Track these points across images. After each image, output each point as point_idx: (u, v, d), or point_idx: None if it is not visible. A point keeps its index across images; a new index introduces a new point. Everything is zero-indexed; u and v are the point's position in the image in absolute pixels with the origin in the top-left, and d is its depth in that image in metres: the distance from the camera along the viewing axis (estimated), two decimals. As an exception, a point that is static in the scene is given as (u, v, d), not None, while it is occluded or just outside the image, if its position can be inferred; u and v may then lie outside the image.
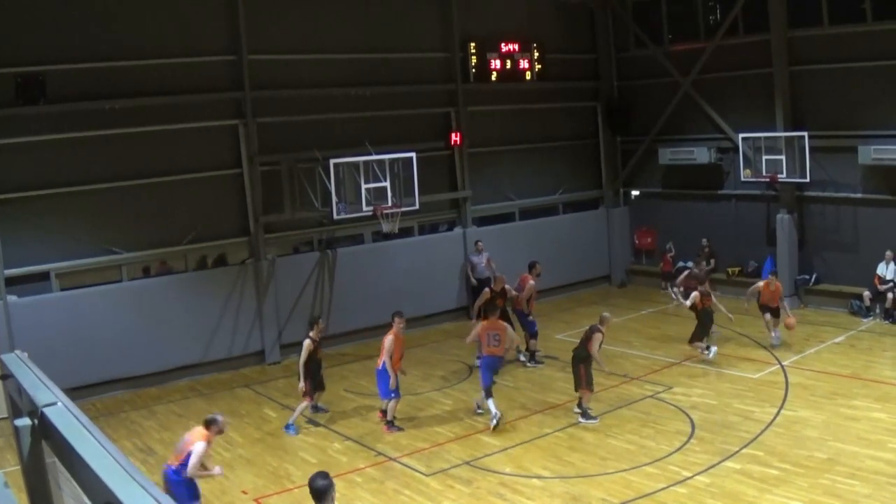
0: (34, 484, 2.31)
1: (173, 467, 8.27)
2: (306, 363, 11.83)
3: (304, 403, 12.05)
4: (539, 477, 9.95)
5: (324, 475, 6.35)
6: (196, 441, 8.25)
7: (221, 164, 15.43)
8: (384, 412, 12.01)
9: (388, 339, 11.60)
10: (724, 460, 9.95)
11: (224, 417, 8.94)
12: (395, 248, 17.38)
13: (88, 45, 13.75)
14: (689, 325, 16.56)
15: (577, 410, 11.83)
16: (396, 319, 11.80)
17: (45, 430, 2.11)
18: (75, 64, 13.64)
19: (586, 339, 11.89)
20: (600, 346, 11.88)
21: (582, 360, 11.80)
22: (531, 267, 15.04)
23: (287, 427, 11.93)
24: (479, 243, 17.90)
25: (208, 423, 8.48)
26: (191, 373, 14.93)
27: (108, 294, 14.28)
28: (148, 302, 14.52)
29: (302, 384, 11.81)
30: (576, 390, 11.94)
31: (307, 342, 11.94)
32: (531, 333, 14.77)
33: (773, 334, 14.71)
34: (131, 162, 14.39)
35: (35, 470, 2.27)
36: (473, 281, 17.96)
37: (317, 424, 12.29)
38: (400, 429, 11.80)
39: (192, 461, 8.15)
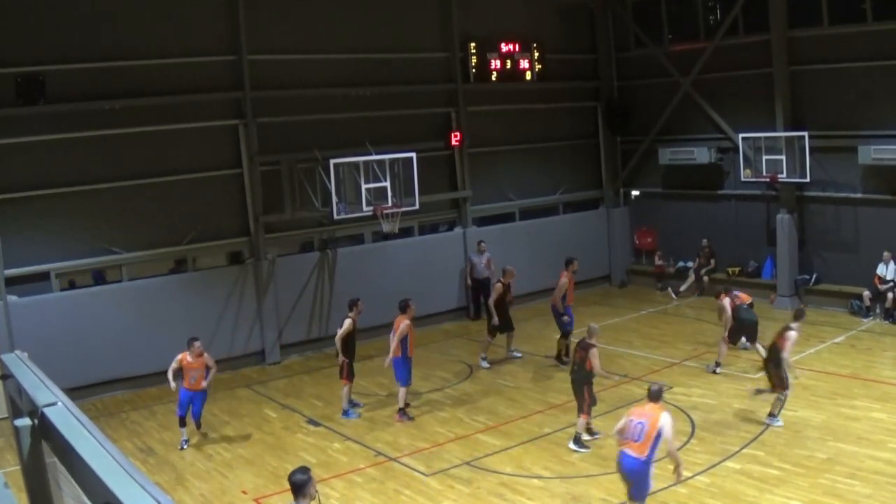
0: (34, 484, 2.31)
1: (642, 458, 7.69)
2: (345, 339, 12.26)
3: (346, 387, 12.50)
4: (539, 477, 9.95)
5: (303, 470, 6.42)
6: (660, 416, 7.78)
7: (221, 164, 15.43)
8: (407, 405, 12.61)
9: (405, 324, 12.06)
10: (724, 460, 9.95)
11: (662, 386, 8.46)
12: (395, 248, 17.38)
13: (88, 45, 13.75)
14: (688, 325, 16.59)
15: (582, 439, 10.80)
16: (411, 306, 12.32)
17: (45, 430, 2.11)
18: (75, 64, 13.65)
19: (582, 358, 10.78)
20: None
21: (585, 381, 10.77)
22: (568, 263, 14.71)
23: (345, 414, 12.48)
24: (482, 244, 17.92)
25: (657, 395, 8.04)
26: (191, 373, 14.91)
27: (108, 294, 14.29)
28: (148, 302, 14.52)
29: (341, 358, 12.38)
30: (579, 414, 10.84)
31: (348, 322, 12.30)
32: (563, 333, 14.49)
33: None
34: (131, 162, 14.39)
35: (35, 470, 2.27)
36: (469, 281, 18.00)
37: (317, 424, 12.30)
38: (411, 418, 12.22)
39: (670, 436, 7.78)
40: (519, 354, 15.13)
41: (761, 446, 10.32)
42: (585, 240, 20.57)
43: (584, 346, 10.82)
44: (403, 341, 12.06)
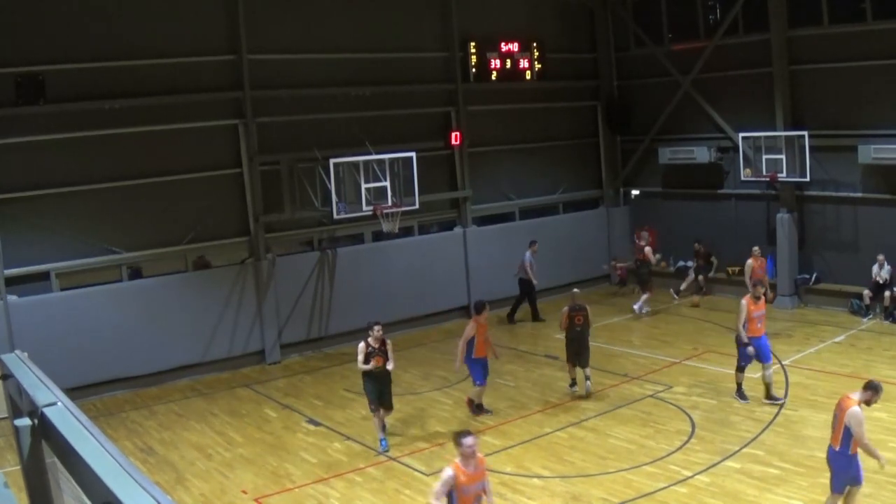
0: (34, 484, 2.31)
1: (835, 447, 7.79)
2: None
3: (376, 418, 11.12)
4: (539, 476, 9.94)
5: None
6: (847, 410, 7.54)
7: (221, 164, 15.43)
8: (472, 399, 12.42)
9: (471, 325, 11.96)
10: (724, 460, 9.95)
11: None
12: (395, 248, 17.38)
13: (88, 45, 13.75)
14: (688, 324, 16.59)
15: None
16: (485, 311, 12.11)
17: (45, 430, 2.11)
18: (75, 64, 13.65)
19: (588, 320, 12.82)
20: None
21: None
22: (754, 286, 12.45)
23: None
24: (535, 244, 17.80)
25: (866, 386, 7.75)
26: (191, 373, 14.93)
27: (109, 294, 14.29)
28: (148, 302, 14.52)
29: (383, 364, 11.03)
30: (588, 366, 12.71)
31: (361, 345, 10.97)
32: (738, 365, 12.16)
33: None
34: (131, 162, 14.39)
35: (35, 470, 2.27)
36: (527, 275, 17.63)
37: (317, 424, 12.30)
38: (489, 411, 12.22)
39: (860, 432, 7.52)
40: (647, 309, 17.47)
41: (761, 446, 10.32)
42: (585, 239, 20.59)
43: (584, 308, 12.84)
44: (471, 342, 11.81)
